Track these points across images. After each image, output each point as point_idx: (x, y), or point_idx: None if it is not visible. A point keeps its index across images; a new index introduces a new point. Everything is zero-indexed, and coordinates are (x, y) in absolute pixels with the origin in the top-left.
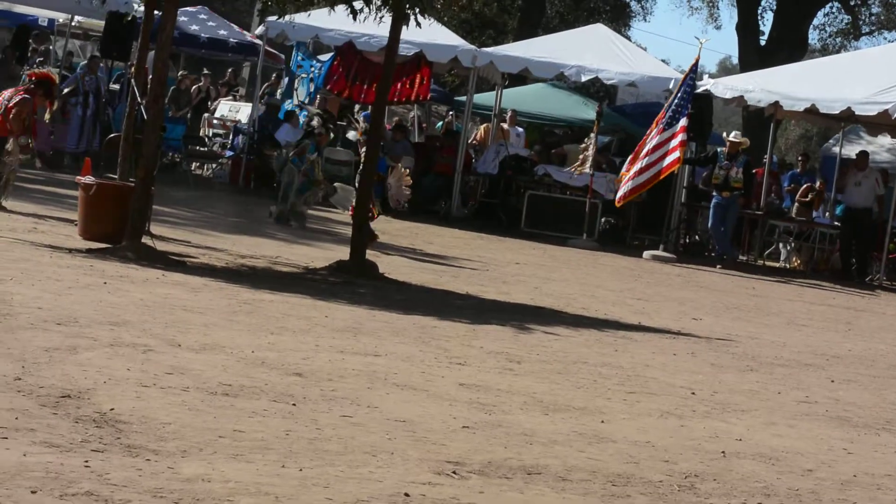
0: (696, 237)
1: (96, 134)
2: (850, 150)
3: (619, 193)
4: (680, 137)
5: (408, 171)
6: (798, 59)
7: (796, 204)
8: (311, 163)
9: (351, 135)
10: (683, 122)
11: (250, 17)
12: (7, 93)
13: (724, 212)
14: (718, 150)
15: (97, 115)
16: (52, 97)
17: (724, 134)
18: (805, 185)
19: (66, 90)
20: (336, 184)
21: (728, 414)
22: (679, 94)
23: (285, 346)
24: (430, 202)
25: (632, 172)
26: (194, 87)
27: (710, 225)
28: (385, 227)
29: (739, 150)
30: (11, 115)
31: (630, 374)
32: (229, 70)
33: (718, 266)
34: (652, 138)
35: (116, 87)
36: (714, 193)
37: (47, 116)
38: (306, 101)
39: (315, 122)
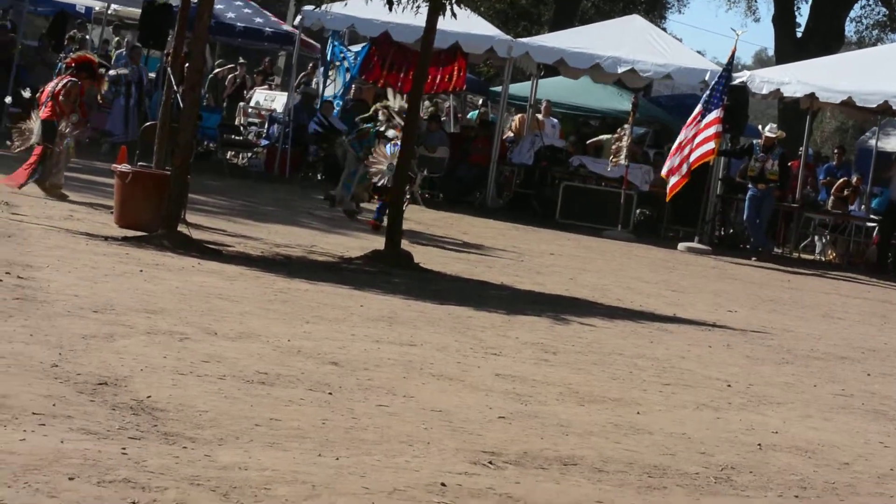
0: (731, 229)
1: (141, 123)
2: (887, 144)
3: (668, 185)
4: (714, 128)
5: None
6: (834, 52)
7: (832, 197)
8: (370, 149)
9: (391, 133)
10: (718, 113)
11: (286, 7)
12: (51, 83)
13: (759, 204)
14: (754, 142)
15: (139, 104)
16: (97, 77)
17: (760, 126)
18: (841, 180)
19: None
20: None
21: (764, 406)
22: (714, 86)
23: (321, 335)
24: (464, 193)
25: (672, 165)
26: (230, 75)
27: (745, 217)
28: (420, 216)
29: (775, 143)
30: (61, 97)
31: (666, 365)
32: (266, 59)
33: (754, 258)
34: (688, 130)
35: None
36: (749, 185)
37: (100, 97)
38: (342, 92)
39: (381, 116)
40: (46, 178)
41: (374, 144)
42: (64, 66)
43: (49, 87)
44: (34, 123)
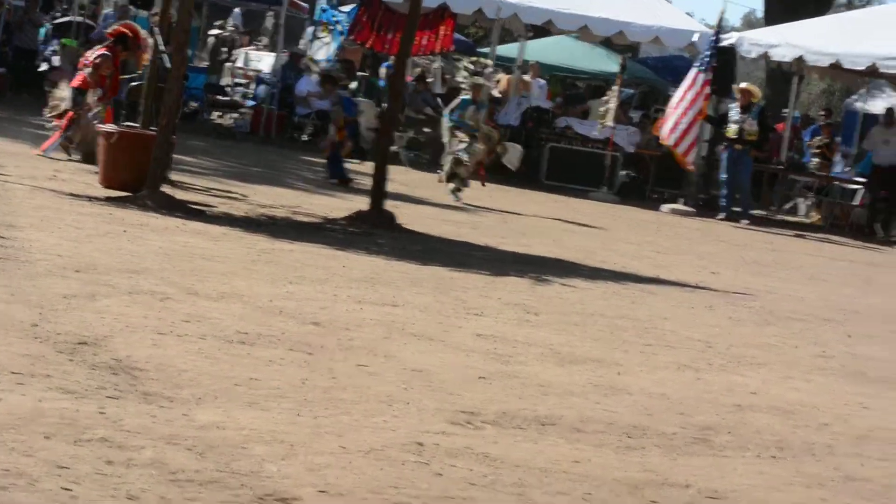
0: (715, 192)
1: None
2: (873, 106)
3: (680, 149)
4: (705, 91)
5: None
6: (823, 14)
7: (815, 159)
8: (470, 118)
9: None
10: (707, 76)
11: None
12: (90, 52)
13: (734, 165)
14: (730, 105)
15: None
16: (136, 48)
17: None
18: (817, 138)
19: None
20: (506, 142)
21: (744, 367)
22: (703, 52)
23: (303, 295)
24: None
25: (673, 128)
26: (219, 33)
27: (721, 177)
28: (405, 177)
29: (751, 101)
30: (89, 69)
31: (647, 326)
32: (263, 26)
33: (719, 217)
34: (684, 94)
35: None
36: (726, 145)
37: (140, 71)
38: (334, 56)
39: (465, 77)
40: (73, 141)
41: (464, 112)
42: (52, 27)
43: (87, 57)
44: (65, 91)
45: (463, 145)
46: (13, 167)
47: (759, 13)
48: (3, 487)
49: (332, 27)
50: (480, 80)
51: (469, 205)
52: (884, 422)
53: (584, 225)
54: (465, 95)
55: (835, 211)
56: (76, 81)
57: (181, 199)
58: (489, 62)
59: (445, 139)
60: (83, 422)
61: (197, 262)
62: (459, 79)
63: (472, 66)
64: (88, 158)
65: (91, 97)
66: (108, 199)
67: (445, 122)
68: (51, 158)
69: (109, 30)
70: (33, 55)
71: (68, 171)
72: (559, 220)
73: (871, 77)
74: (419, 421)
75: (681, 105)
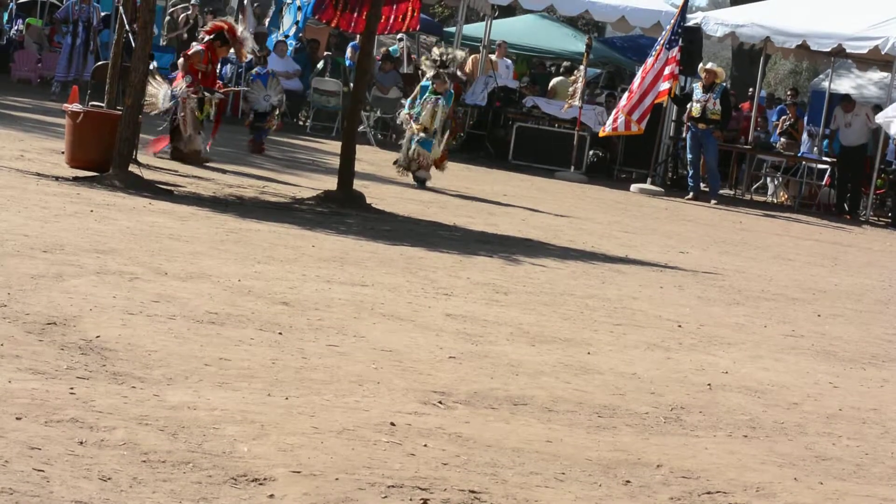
0: (684, 171)
1: (86, 63)
2: (839, 86)
3: (608, 126)
4: (669, 69)
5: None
6: None
7: (782, 139)
8: (429, 112)
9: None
10: (674, 53)
11: None
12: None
13: (698, 143)
14: (695, 85)
15: (86, 44)
16: (234, 41)
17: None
18: (782, 118)
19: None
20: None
21: (714, 347)
22: (668, 30)
23: (272, 275)
24: None
25: (625, 106)
26: (183, 15)
27: (688, 157)
28: (373, 157)
29: (715, 82)
30: (181, 62)
31: (617, 306)
32: (229, 6)
33: (687, 197)
34: (645, 73)
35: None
36: (689, 124)
37: (244, 60)
38: (292, 32)
39: (426, 66)
40: (184, 147)
41: (424, 99)
42: (16, 6)
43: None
44: (156, 89)
45: (417, 136)
46: None
47: None
48: None
49: (288, 2)
50: (446, 71)
51: (436, 187)
52: (853, 401)
53: (552, 214)
54: (426, 81)
55: (802, 191)
56: (175, 82)
57: (148, 178)
58: (459, 53)
59: (403, 124)
60: (54, 402)
61: (165, 241)
62: (425, 65)
63: (439, 58)
64: (186, 158)
65: (180, 92)
66: (75, 179)
67: (404, 111)
68: (159, 157)
69: (207, 27)
70: None
71: (35, 151)
72: (527, 200)
73: (838, 57)
74: (391, 401)
75: (640, 89)
